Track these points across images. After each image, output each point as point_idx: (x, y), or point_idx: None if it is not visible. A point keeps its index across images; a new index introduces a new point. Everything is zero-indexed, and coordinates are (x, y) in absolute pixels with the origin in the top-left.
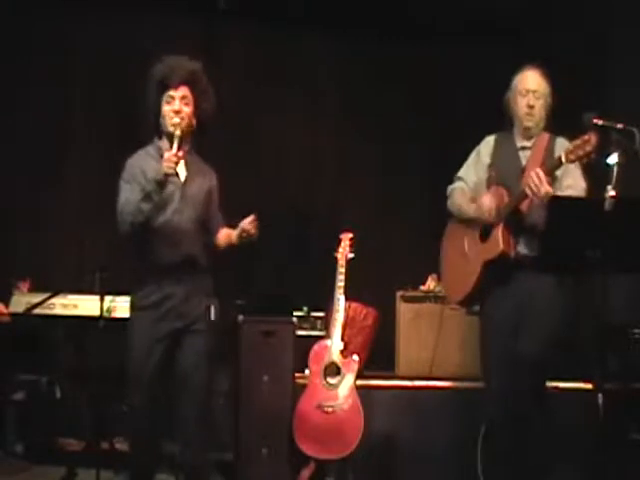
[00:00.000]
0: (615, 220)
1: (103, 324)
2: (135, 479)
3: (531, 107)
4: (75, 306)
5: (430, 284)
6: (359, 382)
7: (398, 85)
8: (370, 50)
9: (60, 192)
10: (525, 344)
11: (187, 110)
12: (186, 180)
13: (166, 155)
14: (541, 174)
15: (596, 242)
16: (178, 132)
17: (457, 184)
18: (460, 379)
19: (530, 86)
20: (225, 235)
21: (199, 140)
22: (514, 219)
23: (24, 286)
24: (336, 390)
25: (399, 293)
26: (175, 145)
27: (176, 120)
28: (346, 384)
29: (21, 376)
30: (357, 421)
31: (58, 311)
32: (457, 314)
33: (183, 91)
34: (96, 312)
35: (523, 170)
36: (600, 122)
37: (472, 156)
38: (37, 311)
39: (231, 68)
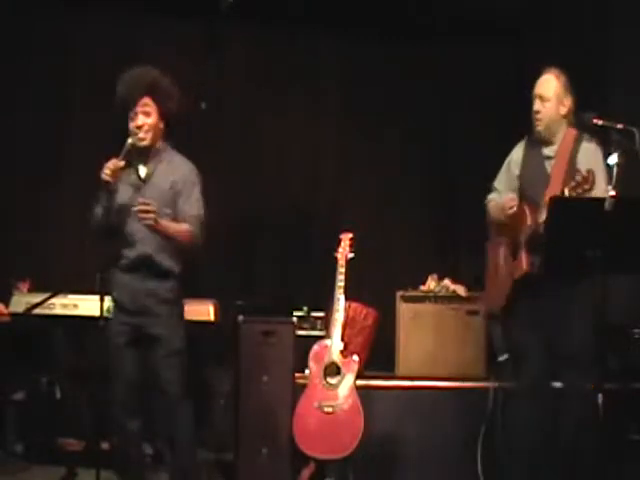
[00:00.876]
0: (615, 220)
1: (103, 324)
2: (123, 476)
3: (536, 112)
4: (75, 306)
5: (430, 284)
6: (359, 382)
7: (399, 85)
8: (371, 50)
9: (60, 192)
10: (566, 339)
11: (150, 120)
12: (146, 183)
13: (108, 162)
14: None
15: (596, 242)
16: (129, 141)
17: (493, 195)
18: (460, 379)
19: (537, 91)
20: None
21: (170, 136)
22: (536, 239)
23: (24, 286)
24: (336, 390)
25: (399, 293)
26: (122, 154)
27: (141, 135)
28: (346, 384)
29: (21, 376)
30: (357, 421)
31: (58, 311)
32: (457, 314)
33: (143, 104)
34: (96, 312)
35: (548, 180)
36: (600, 122)
37: (504, 165)
38: (37, 311)
39: (233, 68)
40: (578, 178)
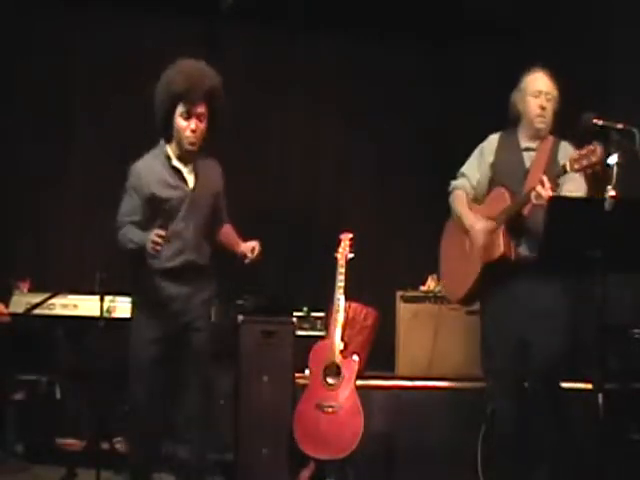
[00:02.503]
0: (615, 220)
1: (103, 324)
2: (134, 478)
3: (543, 108)
4: (75, 306)
5: (430, 284)
6: (359, 382)
7: (399, 84)
8: (371, 50)
9: (60, 192)
10: (536, 347)
11: (202, 126)
12: (194, 189)
13: (152, 236)
14: (546, 181)
15: (596, 242)
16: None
17: (459, 181)
18: (460, 379)
19: (542, 87)
20: (231, 241)
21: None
22: (515, 221)
23: (24, 286)
24: (336, 390)
25: (399, 293)
26: (161, 222)
27: (193, 140)
28: (346, 384)
29: (21, 376)
30: (357, 421)
31: (58, 311)
32: (457, 314)
33: (201, 108)
34: (96, 312)
35: (527, 172)
36: (600, 122)
37: (475, 153)
38: (37, 311)
39: (233, 68)
40: (583, 151)
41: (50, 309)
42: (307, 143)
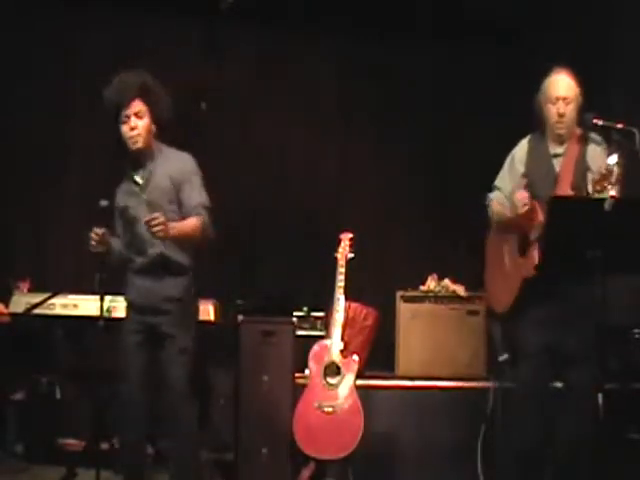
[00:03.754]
0: (615, 220)
1: (103, 324)
2: (126, 476)
3: (561, 115)
4: (75, 306)
5: (430, 284)
6: (359, 382)
7: (399, 85)
8: (371, 50)
9: (60, 192)
10: (571, 349)
11: (142, 123)
12: (145, 187)
13: (91, 234)
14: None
15: (596, 242)
16: (102, 203)
17: (494, 193)
18: (460, 379)
19: (560, 93)
20: None
21: (163, 136)
22: None
23: (24, 286)
24: (336, 390)
25: (399, 293)
26: (100, 221)
27: (134, 137)
28: (346, 384)
29: (21, 376)
30: (357, 421)
31: (58, 311)
32: (457, 314)
33: (135, 107)
34: (96, 312)
35: (557, 178)
36: (600, 122)
37: (507, 163)
38: (37, 311)
39: (233, 68)
40: (603, 171)
41: (50, 309)
42: (307, 143)
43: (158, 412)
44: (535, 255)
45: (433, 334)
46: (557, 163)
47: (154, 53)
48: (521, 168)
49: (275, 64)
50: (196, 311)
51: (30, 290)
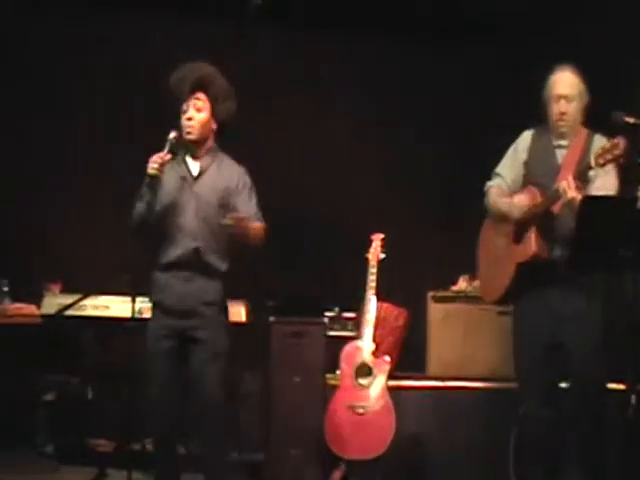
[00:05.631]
0: None
1: (134, 325)
2: (157, 477)
3: (563, 113)
4: (106, 307)
5: (461, 284)
6: (390, 383)
7: (422, 82)
8: (400, 51)
9: (93, 193)
10: (568, 349)
11: (200, 116)
12: (197, 180)
13: (154, 156)
14: (571, 180)
15: (628, 241)
16: (171, 135)
17: (494, 181)
18: (491, 379)
19: (561, 91)
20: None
21: (220, 139)
22: (547, 221)
23: (55, 288)
24: (367, 391)
25: (430, 293)
26: (166, 149)
27: (189, 129)
28: (377, 385)
29: (52, 377)
30: (388, 422)
31: (89, 312)
32: (488, 314)
33: (195, 98)
34: (127, 313)
35: (558, 169)
36: (631, 120)
37: (509, 151)
38: (68, 312)
39: (261, 69)
40: (606, 145)
41: (81, 310)
42: (339, 144)
43: (189, 414)
44: (532, 239)
45: (464, 334)
46: (560, 154)
47: (182, 53)
48: (524, 156)
49: (303, 64)
50: (227, 315)
51: (62, 292)
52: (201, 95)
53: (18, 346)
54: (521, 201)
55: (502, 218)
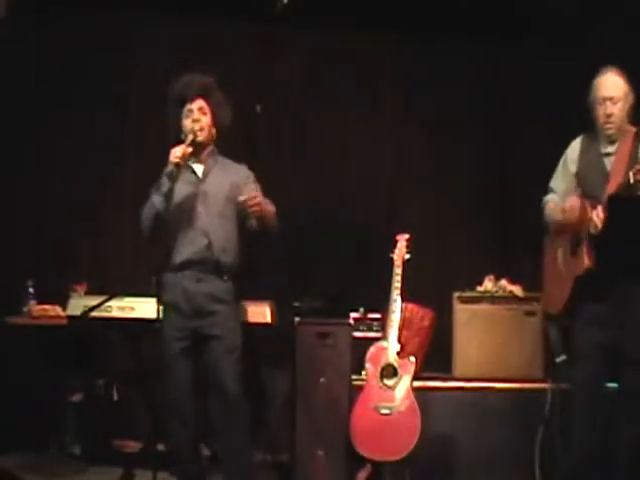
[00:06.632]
0: None
1: (159, 326)
2: (181, 478)
3: (609, 116)
4: (132, 309)
5: (487, 285)
6: (416, 383)
7: (454, 87)
8: (430, 50)
9: (117, 194)
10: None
11: (205, 119)
12: (204, 180)
13: (175, 148)
14: (600, 212)
15: None
16: (191, 136)
17: (549, 196)
18: (517, 380)
19: (606, 93)
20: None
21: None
22: (599, 235)
23: (81, 289)
24: (393, 392)
25: (456, 294)
26: (187, 141)
27: (196, 127)
28: (403, 386)
29: (79, 378)
30: (414, 423)
31: (115, 314)
32: (514, 315)
33: (199, 103)
34: (153, 314)
35: (608, 177)
36: None
37: (560, 164)
38: (94, 314)
39: (289, 70)
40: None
41: (107, 312)
42: (363, 144)
43: (211, 414)
44: (585, 253)
45: (490, 335)
46: (608, 162)
47: (209, 55)
48: (573, 168)
49: (333, 65)
50: (241, 311)
51: (87, 293)
52: (204, 101)
53: (44, 347)
54: (571, 203)
55: (560, 230)
